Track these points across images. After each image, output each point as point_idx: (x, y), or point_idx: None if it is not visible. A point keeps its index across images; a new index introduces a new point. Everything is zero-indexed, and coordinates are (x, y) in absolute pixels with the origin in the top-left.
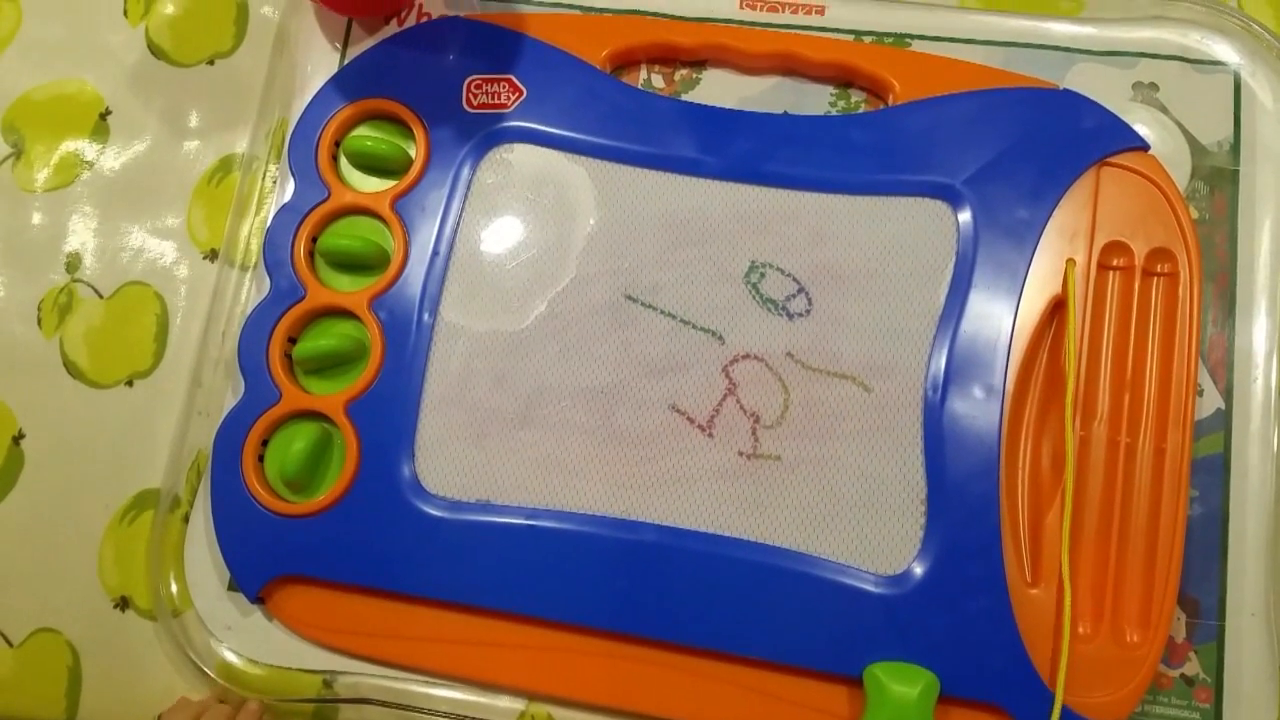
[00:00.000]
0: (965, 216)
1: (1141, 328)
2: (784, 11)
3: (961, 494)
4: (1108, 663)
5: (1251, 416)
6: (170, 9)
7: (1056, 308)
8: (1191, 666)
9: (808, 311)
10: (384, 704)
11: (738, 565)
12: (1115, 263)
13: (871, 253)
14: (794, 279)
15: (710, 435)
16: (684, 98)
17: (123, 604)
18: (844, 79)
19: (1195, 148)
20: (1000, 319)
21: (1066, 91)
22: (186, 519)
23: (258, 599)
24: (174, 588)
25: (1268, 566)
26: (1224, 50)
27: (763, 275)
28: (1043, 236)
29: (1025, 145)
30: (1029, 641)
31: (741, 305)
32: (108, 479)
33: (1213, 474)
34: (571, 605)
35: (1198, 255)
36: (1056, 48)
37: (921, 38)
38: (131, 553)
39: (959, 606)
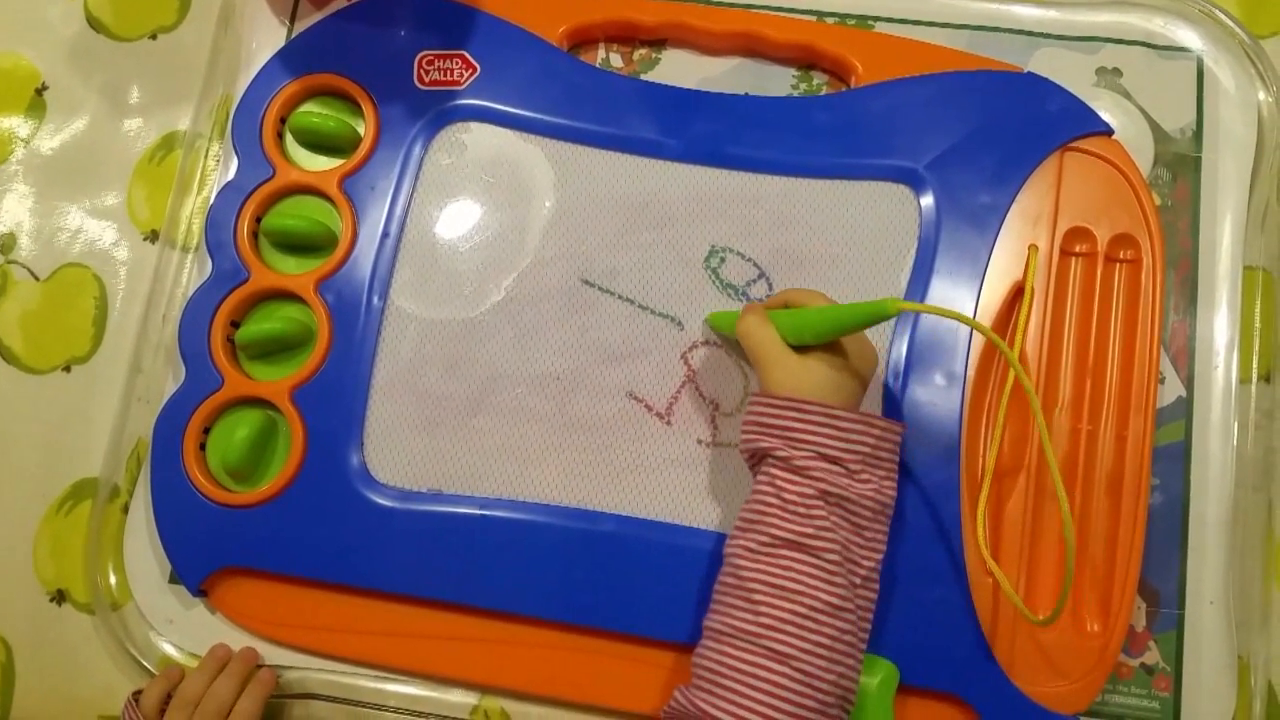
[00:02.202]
0: (928, 201)
1: (1104, 314)
2: None
3: (922, 481)
4: (1068, 652)
5: (1212, 405)
6: None
7: (1019, 294)
8: (1151, 655)
9: (768, 296)
10: (332, 699)
11: (697, 556)
12: (1078, 249)
13: (833, 237)
14: (754, 263)
15: (669, 423)
16: (643, 78)
17: (59, 597)
18: (806, 60)
19: (1158, 134)
20: (962, 305)
21: (1030, 75)
22: (126, 509)
23: (200, 591)
24: (113, 580)
25: (1227, 555)
26: (1187, 36)
27: (723, 260)
28: (1005, 222)
29: (988, 129)
30: (989, 630)
31: (701, 290)
32: (44, 468)
33: (1173, 462)
34: (526, 597)
35: (1160, 242)
36: (1020, 31)
37: (885, 20)
38: (69, 545)
39: (919, 595)
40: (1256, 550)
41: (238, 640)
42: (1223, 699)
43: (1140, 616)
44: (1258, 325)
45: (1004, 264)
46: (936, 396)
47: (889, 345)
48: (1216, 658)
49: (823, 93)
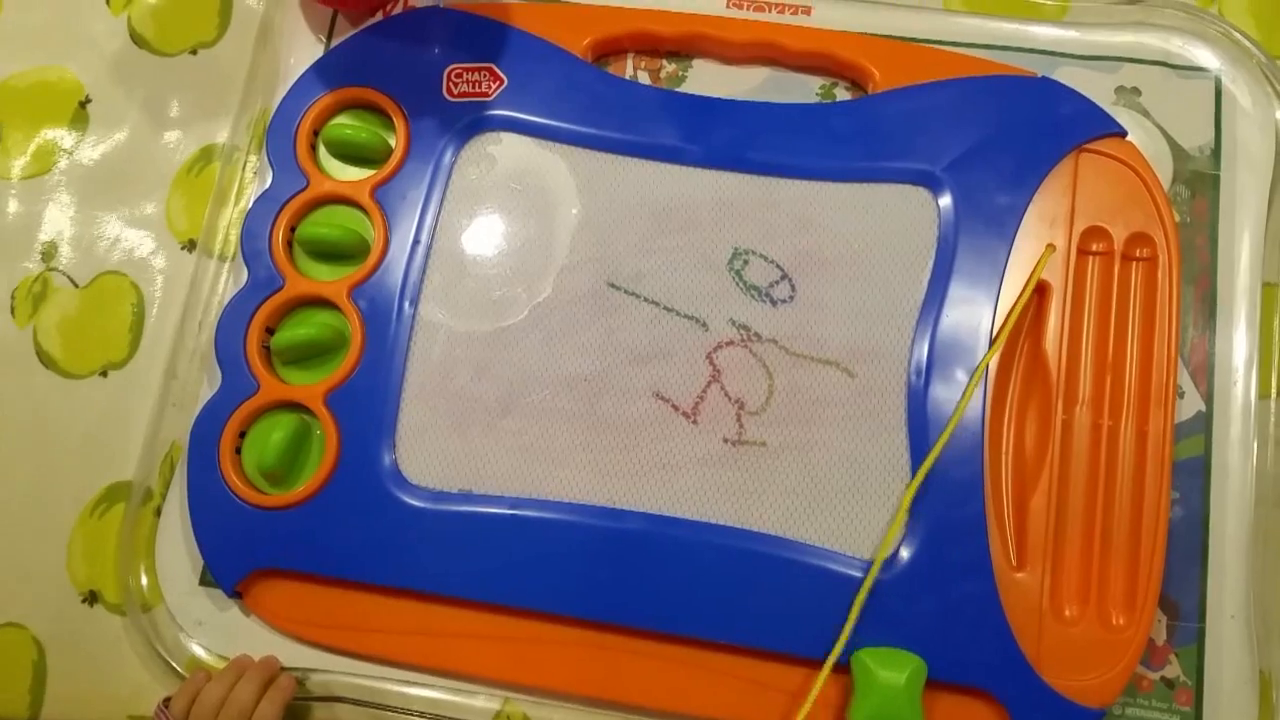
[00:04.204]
0: (946, 202)
1: (1122, 311)
2: (770, 11)
3: (946, 478)
4: (1095, 645)
5: (1232, 420)
6: None
7: (1038, 292)
8: (1172, 669)
9: (791, 298)
10: (357, 702)
11: (724, 552)
12: (1095, 248)
13: (854, 239)
14: (777, 266)
15: (695, 422)
16: None
17: (91, 599)
18: (824, 67)
19: (1177, 152)
20: (982, 304)
21: (1044, 79)
22: (159, 512)
23: (235, 593)
24: (144, 581)
25: (1247, 569)
26: (1205, 56)
27: (746, 262)
28: (1023, 222)
29: (1004, 132)
30: (1015, 625)
31: (725, 292)
32: (79, 471)
33: (1193, 476)
34: (555, 595)
35: (1176, 238)
36: (1040, 51)
37: (906, 39)
38: (101, 547)
39: (945, 591)
40: (1277, 566)
41: (265, 641)
42: (1244, 713)
43: (1161, 630)
44: (1277, 341)
45: (1023, 264)
46: (959, 394)
47: (911, 343)
48: (1238, 672)
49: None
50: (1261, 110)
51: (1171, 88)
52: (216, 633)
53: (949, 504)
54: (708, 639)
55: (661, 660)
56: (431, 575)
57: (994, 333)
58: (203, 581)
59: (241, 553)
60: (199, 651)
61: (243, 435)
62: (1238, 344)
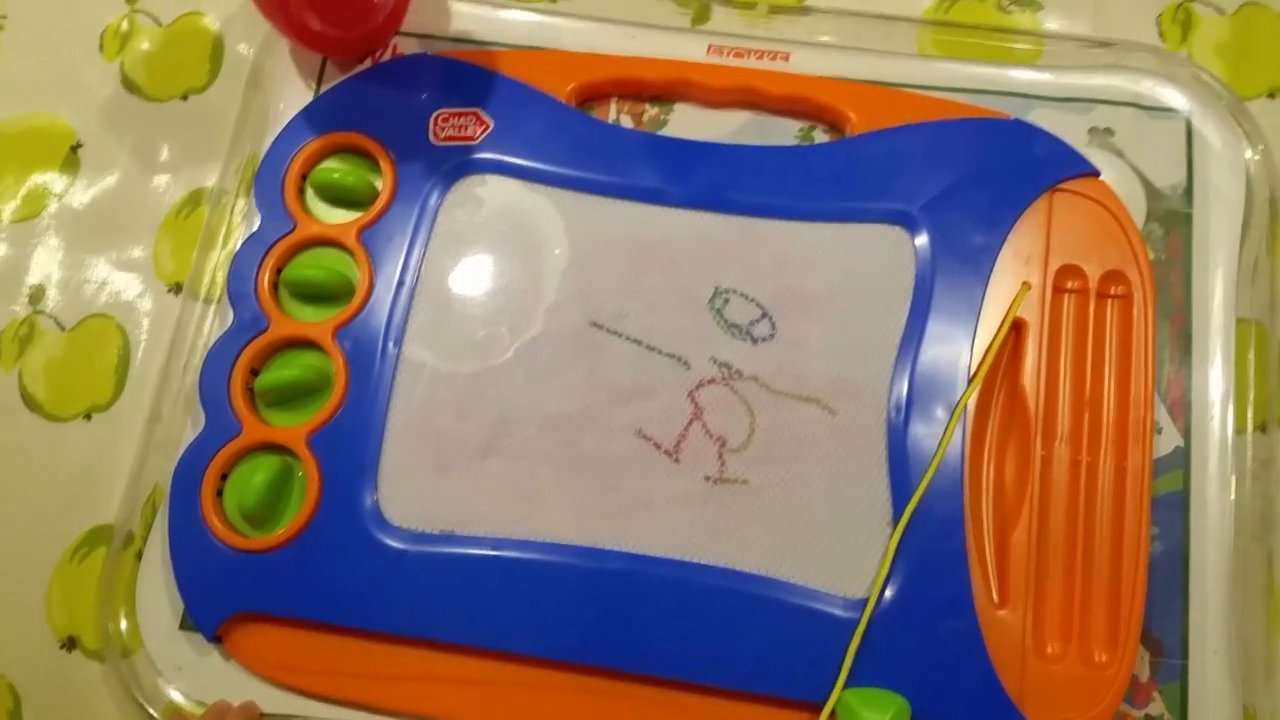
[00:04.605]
0: (923, 242)
1: (1098, 348)
2: (749, 57)
3: (927, 516)
4: (1078, 683)
5: (1210, 454)
6: (146, 45)
7: (1015, 330)
8: (1156, 706)
9: (771, 336)
10: None
11: (706, 592)
12: (1070, 285)
13: (833, 278)
14: (757, 304)
15: (677, 460)
16: None
17: (70, 644)
18: (802, 111)
19: (1150, 190)
20: (960, 341)
21: (1017, 121)
22: (140, 556)
23: (215, 637)
24: (124, 626)
25: (1228, 603)
26: (1175, 97)
27: (727, 301)
28: (998, 260)
29: (979, 173)
30: (998, 663)
31: (706, 330)
32: (60, 514)
33: (1173, 511)
34: (538, 637)
35: (1150, 276)
36: (1015, 94)
37: (882, 83)
38: (81, 591)
39: (927, 629)
40: (1258, 601)
41: (244, 686)
42: None
43: (1144, 667)
44: (1252, 376)
45: (999, 301)
46: (938, 430)
47: (890, 380)
48: (1221, 709)
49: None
50: (1231, 150)
51: (1144, 128)
52: (196, 678)
53: (930, 542)
54: (690, 680)
55: (645, 703)
56: (413, 618)
57: (972, 369)
58: (183, 626)
59: (221, 596)
60: (177, 697)
61: (225, 477)
62: (1214, 379)
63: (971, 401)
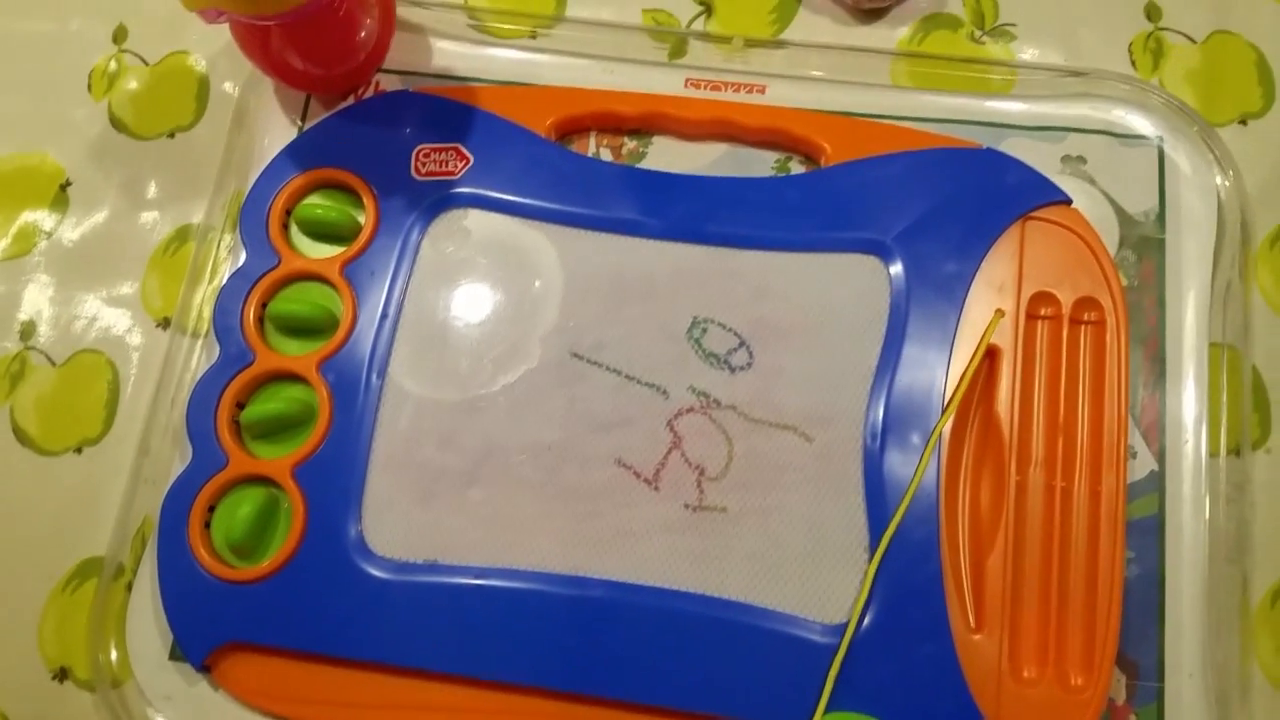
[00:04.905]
0: (897, 270)
1: (1072, 374)
2: (726, 90)
3: (903, 541)
4: (1054, 706)
5: (1184, 478)
6: (133, 84)
7: (989, 356)
8: None
9: (749, 365)
10: None
11: (687, 618)
12: (1043, 312)
13: (809, 307)
14: (735, 333)
15: (656, 489)
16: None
17: (61, 675)
18: (778, 143)
19: (1123, 217)
20: (934, 368)
21: (990, 150)
22: (130, 588)
23: (204, 667)
24: (114, 656)
25: (1204, 626)
26: (1146, 124)
27: (705, 330)
28: (972, 288)
29: (952, 202)
30: (974, 687)
31: (684, 360)
32: (52, 548)
33: (1148, 535)
34: (521, 665)
35: (1123, 301)
36: (988, 123)
37: (857, 115)
38: (73, 623)
39: (904, 654)
40: (1233, 622)
41: (233, 716)
42: None
43: (1120, 690)
44: (1225, 400)
45: (973, 329)
46: (914, 456)
47: (866, 407)
48: None
49: (795, 172)
50: (1201, 176)
51: (1116, 155)
52: (185, 707)
53: (907, 567)
54: (672, 707)
55: None
56: (397, 647)
57: (947, 396)
58: (172, 656)
59: (209, 627)
60: None
61: (212, 509)
62: (1187, 403)
63: (947, 428)
